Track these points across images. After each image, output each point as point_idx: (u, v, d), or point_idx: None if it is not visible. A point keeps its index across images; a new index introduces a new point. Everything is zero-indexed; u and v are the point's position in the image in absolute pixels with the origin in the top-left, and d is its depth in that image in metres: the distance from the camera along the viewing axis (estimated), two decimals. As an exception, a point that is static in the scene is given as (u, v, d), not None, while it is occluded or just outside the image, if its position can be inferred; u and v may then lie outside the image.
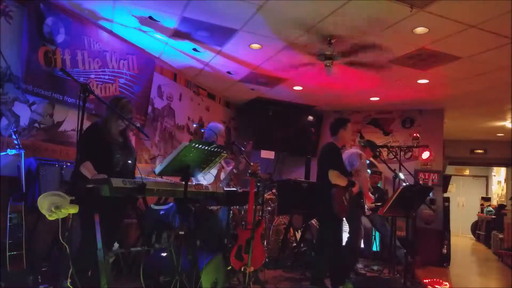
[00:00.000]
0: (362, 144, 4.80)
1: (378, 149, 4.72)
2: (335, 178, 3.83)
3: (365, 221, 5.22)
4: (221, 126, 4.49)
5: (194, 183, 3.35)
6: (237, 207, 5.11)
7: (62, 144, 4.10)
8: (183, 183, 2.76)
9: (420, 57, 4.68)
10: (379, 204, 5.04)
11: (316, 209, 3.99)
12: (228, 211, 4.59)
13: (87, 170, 2.73)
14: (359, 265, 5.24)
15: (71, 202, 2.45)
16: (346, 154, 4.40)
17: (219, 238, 4.32)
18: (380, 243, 6.19)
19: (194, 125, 6.46)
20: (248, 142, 4.55)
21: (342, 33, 4.17)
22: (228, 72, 5.85)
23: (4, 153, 3.29)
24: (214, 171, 4.43)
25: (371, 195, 5.06)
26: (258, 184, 4.10)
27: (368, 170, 5.94)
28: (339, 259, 3.96)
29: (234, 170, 4.36)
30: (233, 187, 4.85)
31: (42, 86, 3.76)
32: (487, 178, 13.55)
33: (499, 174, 12.17)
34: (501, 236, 8.53)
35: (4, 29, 3.48)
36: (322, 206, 3.92)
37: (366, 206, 4.62)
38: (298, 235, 5.47)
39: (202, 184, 3.19)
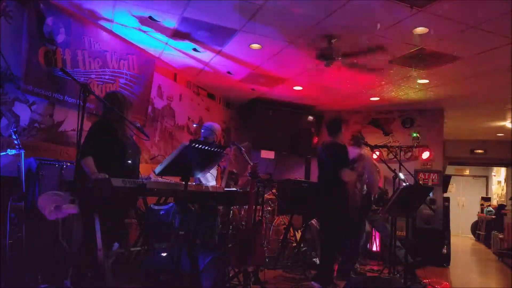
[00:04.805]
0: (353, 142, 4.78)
1: (364, 141, 4.68)
2: (348, 176, 3.92)
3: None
4: (218, 125, 4.51)
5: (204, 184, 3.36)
6: (237, 207, 5.11)
7: (62, 144, 4.09)
8: (183, 183, 2.76)
9: (420, 57, 4.68)
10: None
11: (327, 208, 4.02)
12: (228, 211, 4.60)
13: (88, 166, 2.71)
14: (359, 265, 5.24)
15: (71, 202, 2.46)
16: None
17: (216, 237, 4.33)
18: (380, 243, 6.20)
19: (194, 125, 6.46)
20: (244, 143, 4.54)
21: (342, 33, 4.17)
22: (228, 72, 5.85)
23: (4, 153, 3.28)
24: (214, 172, 4.44)
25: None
26: (258, 184, 4.10)
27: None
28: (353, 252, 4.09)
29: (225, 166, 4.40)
30: (233, 187, 4.86)
31: (42, 86, 3.75)
32: (487, 178, 13.54)
33: (499, 174, 12.16)
34: (501, 236, 8.53)
35: (4, 29, 3.48)
36: (336, 204, 3.95)
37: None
38: (298, 235, 5.47)
39: (202, 184, 3.20)
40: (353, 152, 4.45)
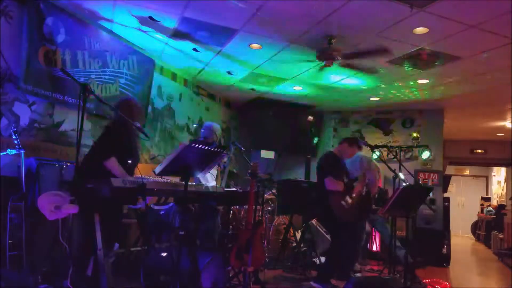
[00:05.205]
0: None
1: (364, 141, 4.66)
2: (330, 185, 3.94)
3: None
4: (217, 125, 4.52)
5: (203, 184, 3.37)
6: (237, 207, 5.11)
7: (62, 144, 4.09)
8: (183, 183, 2.76)
9: (420, 57, 4.68)
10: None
11: (320, 215, 4.15)
12: (228, 211, 4.59)
13: (114, 167, 2.81)
14: (359, 266, 5.24)
15: (71, 202, 2.46)
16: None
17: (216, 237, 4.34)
18: (380, 243, 6.19)
19: (194, 125, 6.46)
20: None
21: (342, 33, 4.17)
22: (228, 72, 5.85)
23: (4, 153, 3.28)
24: (214, 171, 4.44)
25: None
26: (258, 184, 4.10)
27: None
28: (349, 257, 4.18)
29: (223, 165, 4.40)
30: (233, 187, 4.86)
31: (42, 86, 3.75)
32: (487, 178, 13.55)
33: (499, 174, 12.17)
34: (501, 236, 8.53)
35: (4, 29, 3.48)
36: (324, 213, 4.13)
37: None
38: (298, 235, 5.46)
39: (202, 184, 3.20)
40: (352, 151, 4.45)
